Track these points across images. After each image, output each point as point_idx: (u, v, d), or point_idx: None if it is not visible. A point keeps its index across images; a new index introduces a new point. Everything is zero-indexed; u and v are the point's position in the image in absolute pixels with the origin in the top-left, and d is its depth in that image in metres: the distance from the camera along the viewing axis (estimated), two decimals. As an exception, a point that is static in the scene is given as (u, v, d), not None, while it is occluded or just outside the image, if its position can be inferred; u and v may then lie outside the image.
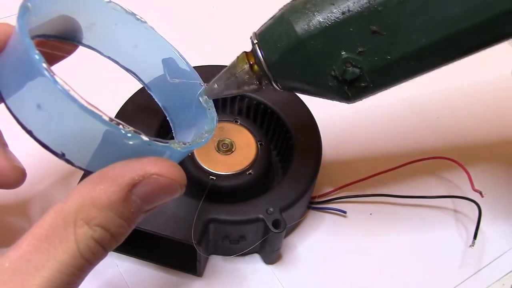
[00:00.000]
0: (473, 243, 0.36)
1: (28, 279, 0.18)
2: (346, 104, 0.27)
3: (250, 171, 0.34)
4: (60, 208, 0.20)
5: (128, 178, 0.20)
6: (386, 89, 0.26)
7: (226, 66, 0.27)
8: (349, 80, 0.25)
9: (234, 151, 0.35)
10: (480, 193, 0.37)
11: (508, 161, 0.42)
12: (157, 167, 0.20)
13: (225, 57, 0.39)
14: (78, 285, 0.20)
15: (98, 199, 0.20)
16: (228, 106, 0.38)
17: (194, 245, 0.29)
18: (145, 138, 0.20)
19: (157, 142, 0.21)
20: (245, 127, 0.37)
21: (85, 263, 0.20)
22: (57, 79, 0.19)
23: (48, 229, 0.19)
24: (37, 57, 0.19)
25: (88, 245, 0.19)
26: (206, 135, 0.25)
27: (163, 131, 0.36)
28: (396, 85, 0.26)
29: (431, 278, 0.35)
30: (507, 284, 0.36)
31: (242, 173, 0.34)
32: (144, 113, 0.35)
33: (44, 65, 0.19)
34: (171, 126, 0.30)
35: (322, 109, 0.38)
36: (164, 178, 0.21)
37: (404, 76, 0.26)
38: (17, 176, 0.27)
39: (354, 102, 0.27)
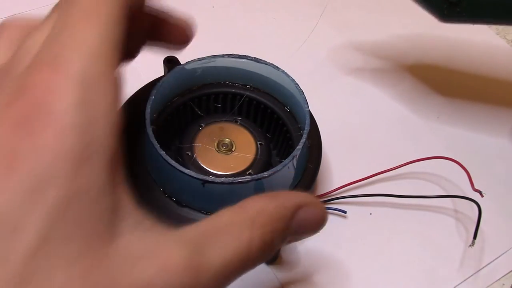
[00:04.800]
0: (473, 243, 0.36)
1: None
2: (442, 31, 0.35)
3: (250, 171, 0.34)
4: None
5: (294, 201, 0.20)
6: (475, 23, 0.34)
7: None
8: (450, 1, 0.31)
9: (234, 151, 0.35)
10: (480, 193, 0.37)
11: (508, 160, 0.42)
12: (311, 198, 0.21)
13: (225, 57, 0.38)
14: None
15: (274, 212, 0.20)
16: (228, 106, 0.38)
17: (194, 245, 0.29)
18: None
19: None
20: (245, 127, 0.37)
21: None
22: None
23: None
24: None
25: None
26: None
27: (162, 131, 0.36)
28: (483, 23, 0.34)
29: (431, 278, 0.35)
30: (507, 284, 0.36)
31: (242, 173, 0.34)
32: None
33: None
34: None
35: (322, 109, 0.38)
36: (320, 211, 0.21)
37: (492, 18, 0.33)
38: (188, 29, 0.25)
39: (445, 22, 0.34)
